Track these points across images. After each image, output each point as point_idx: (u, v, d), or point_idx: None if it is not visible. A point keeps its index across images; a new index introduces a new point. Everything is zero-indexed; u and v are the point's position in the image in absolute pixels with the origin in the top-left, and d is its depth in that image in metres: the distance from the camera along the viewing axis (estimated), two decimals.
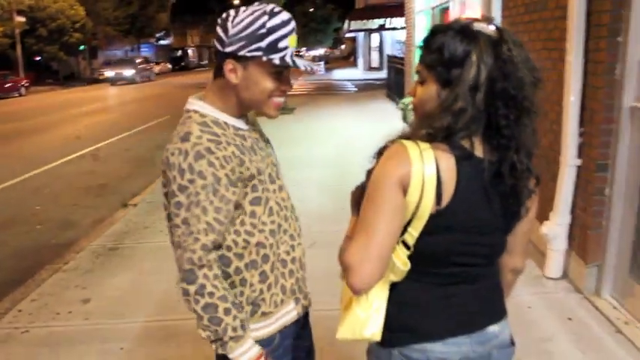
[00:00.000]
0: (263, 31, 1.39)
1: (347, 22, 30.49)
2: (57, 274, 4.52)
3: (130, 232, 5.49)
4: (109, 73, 33.35)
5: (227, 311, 1.42)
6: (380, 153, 1.33)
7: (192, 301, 1.42)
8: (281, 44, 1.40)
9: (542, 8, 4.24)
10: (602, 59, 3.32)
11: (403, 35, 16.06)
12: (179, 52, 52.48)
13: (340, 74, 33.02)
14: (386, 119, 12.24)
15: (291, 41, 1.42)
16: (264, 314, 1.56)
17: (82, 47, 35.64)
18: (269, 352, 1.55)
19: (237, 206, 1.47)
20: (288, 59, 1.41)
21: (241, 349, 1.45)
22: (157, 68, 44.21)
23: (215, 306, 1.41)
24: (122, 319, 3.70)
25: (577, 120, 3.60)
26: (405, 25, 14.82)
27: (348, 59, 55.14)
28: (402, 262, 1.30)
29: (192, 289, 1.41)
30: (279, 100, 1.49)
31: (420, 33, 11.70)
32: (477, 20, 1.28)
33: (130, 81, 32.79)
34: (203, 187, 1.38)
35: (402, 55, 15.92)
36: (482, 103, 1.23)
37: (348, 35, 39.59)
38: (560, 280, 3.82)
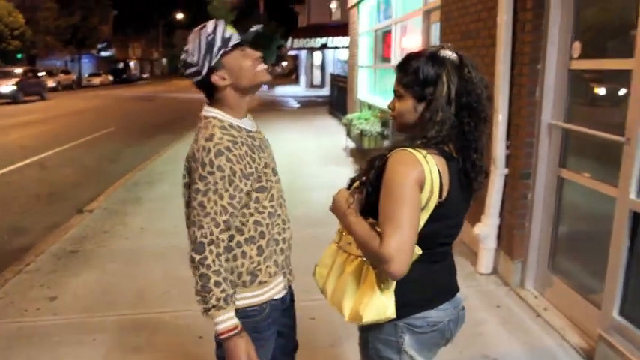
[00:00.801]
0: (210, 39, 1.76)
1: (290, 40, 31.02)
2: (19, 275, 4.64)
3: (88, 236, 5.63)
4: None
5: (217, 284, 1.71)
6: (374, 161, 1.66)
7: (192, 268, 1.73)
8: (226, 35, 1.77)
9: (475, 36, 4.80)
10: (525, 83, 3.87)
11: (346, 54, 16.62)
12: (121, 65, 51.62)
13: (283, 91, 33.45)
14: (329, 134, 12.77)
15: (229, 29, 1.80)
16: (260, 283, 1.87)
17: (19, 55, 34.49)
18: (260, 320, 1.87)
19: (248, 194, 1.80)
20: (237, 38, 1.79)
21: (221, 317, 1.72)
22: (97, 80, 43.23)
23: (208, 277, 1.70)
24: (92, 313, 3.90)
25: (505, 135, 4.13)
26: (347, 45, 15.43)
27: (290, 76, 55.77)
28: (417, 247, 1.58)
29: (197, 257, 1.71)
30: (262, 66, 1.85)
31: (364, 53, 12.25)
32: (442, 48, 1.64)
33: (12, 98, 24.75)
34: (221, 178, 1.70)
35: (344, 74, 16.51)
36: (453, 114, 1.60)
37: (291, 53, 40.18)
38: (490, 275, 4.34)
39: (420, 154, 1.57)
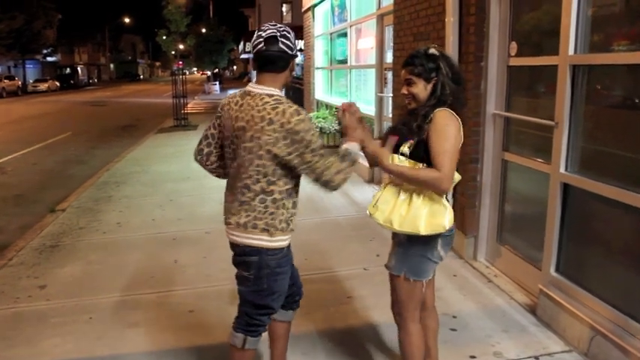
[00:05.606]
0: (295, 44, 2.42)
1: (242, 43, 31.24)
2: (4, 269, 4.83)
3: (66, 232, 5.85)
4: None
5: (342, 167, 2.34)
6: (426, 118, 2.37)
7: (342, 180, 2.34)
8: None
9: (426, 38, 5.32)
10: (471, 79, 4.39)
11: (299, 57, 17.03)
12: (68, 70, 50.38)
13: None
14: None
15: None
16: (291, 230, 2.42)
17: None
18: (281, 257, 2.41)
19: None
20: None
21: (355, 155, 2.41)
22: (44, 86, 42.08)
23: (339, 168, 2.33)
24: (83, 297, 4.17)
25: None
26: (300, 48, 15.84)
27: (242, 80, 55.89)
28: (456, 174, 2.41)
29: (339, 179, 2.33)
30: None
31: (319, 55, 12.68)
32: (430, 48, 2.43)
33: None
34: (319, 136, 2.33)
35: (297, 75, 16.92)
36: (454, 86, 2.40)
37: (243, 56, 40.36)
38: None
39: (451, 112, 2.37)
